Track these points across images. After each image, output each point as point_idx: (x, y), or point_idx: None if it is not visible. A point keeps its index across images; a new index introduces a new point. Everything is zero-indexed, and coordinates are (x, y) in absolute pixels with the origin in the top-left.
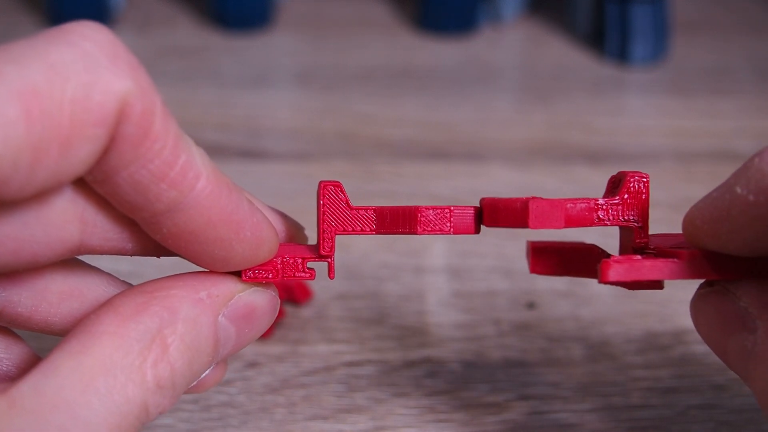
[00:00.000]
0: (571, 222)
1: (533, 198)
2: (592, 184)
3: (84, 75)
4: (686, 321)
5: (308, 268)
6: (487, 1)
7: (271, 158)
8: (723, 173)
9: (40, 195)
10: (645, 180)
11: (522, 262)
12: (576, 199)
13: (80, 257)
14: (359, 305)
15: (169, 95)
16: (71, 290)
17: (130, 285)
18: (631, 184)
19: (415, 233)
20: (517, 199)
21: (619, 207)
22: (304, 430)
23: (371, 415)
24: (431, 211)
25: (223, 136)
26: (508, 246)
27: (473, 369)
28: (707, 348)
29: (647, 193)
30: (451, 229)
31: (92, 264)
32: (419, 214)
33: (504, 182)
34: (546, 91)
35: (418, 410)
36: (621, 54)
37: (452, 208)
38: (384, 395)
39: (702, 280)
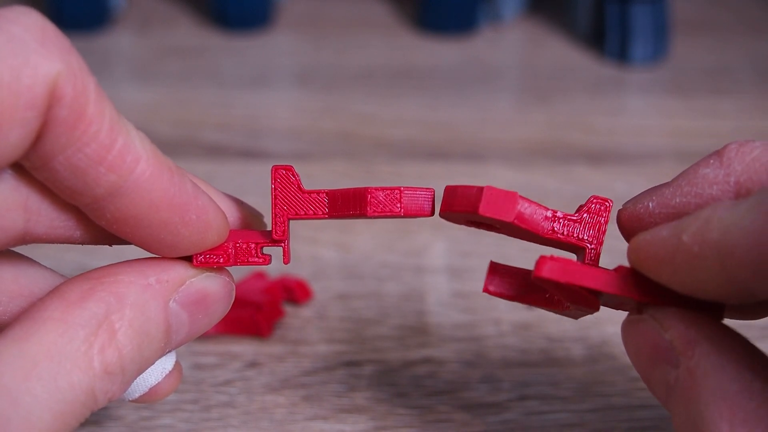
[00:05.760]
0: (523, 221)
1: (490, 186)
2: (592, 184)
3: (12, 58)
4: None
5: (263, 254)
6: (487, 1)
7: (271, 158)
8: None
9: None
10: (608, 204)
11: (522, 262)
12: (535, 202)
13: (47, 264)
14: (359, 305)
15: (169, 95)
16: (21, 290)
17: None
18: (593, 205)
19: (365, 215)
20: (474, 186)
21: (577, 224)
22: (304, 430)
23: (371, 415)
24: (381, 192)
25: (223, 136)
26: (508, 246)
27: (473, 369)
28: None
29: (607, 218)
30: (402, 210)
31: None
32: (369, 196)
33: (504, 182)
34: (546, 91)
35: (418, 410)
36: (621, 54)
37: (402, 188)
38: (384, 395)
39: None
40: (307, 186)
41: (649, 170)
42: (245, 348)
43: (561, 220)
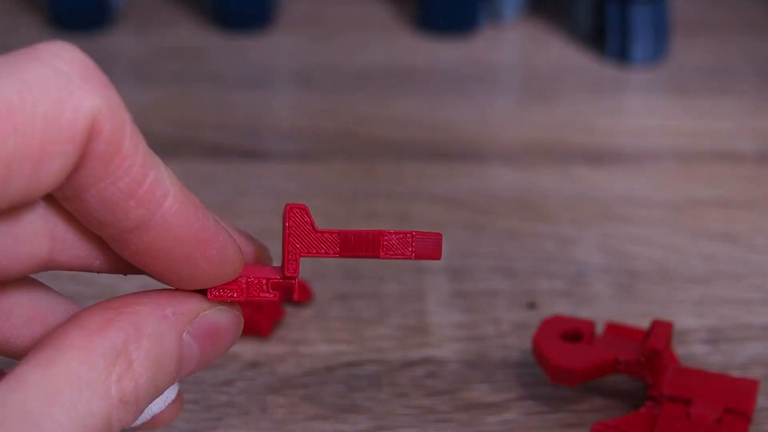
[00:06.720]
0: (592, 377)
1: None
2: (592, 184)
3: (56, 92)
4: (687, 321)
5: (272, 289)
6: (487, 1)
7: (271, 158)
8: (723, 173)
9: (10, 210)
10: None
11: (522, 262)
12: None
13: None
14: (359, 305)
15: (169, 95)
16: (35, 314)
17: None
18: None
19: (377, 257)
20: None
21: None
22: (304, 430)
23: (371, 415)
24: (394, 235)
25: (223, 136)
26: (508, 246)
27: (473, 369)
28: (708, 348)
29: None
30: (413, 254)
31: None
32: (383, 239)
33: (504, 182)
34: (546, 91)
35: (418, 410)
36: (621, 54)
37: (414, 233)
38: (384, 395)
39: None
40: (307, 186)
41: (649, 170)
42: (245, 348)
43: (626, 365)
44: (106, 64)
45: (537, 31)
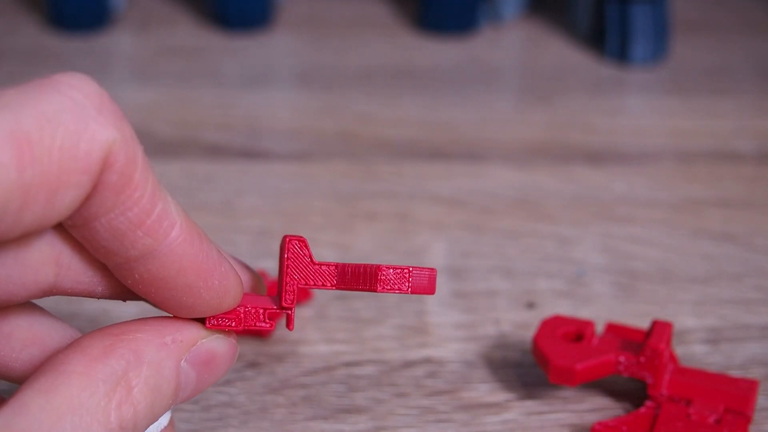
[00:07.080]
0: (591, 377)
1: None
2: (592, 184)
3: (72, 124)
4: (686, 321)
5: (269, 319)
6: (487, 1)
7: (271, 158)
8: (723, 173)
9: (21, 238)
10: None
11: (522, 262)
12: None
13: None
14: (359, 305)
15: (169, 95)
16: (34, 338)
17: None
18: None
19: (374, 291)
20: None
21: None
22: (304, 430)
23: (371, 415)
24: (391, 270)
25: (223, 136)
26: (508, 246)
27: (473, 369)
28: (708, 348)
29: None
30: (410, 289)
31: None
32: (380, 273)
33: (504, 182)
34: (546, 91)
35: (418, 410)
36: (621, 54)
37: (411, 268)
38: (384, 395)
39: None
40: (307, 186)
41: (649, 170)
42: (245, 348)
43: (626, 365)
44: (106, 64)
45: (537, 31)
